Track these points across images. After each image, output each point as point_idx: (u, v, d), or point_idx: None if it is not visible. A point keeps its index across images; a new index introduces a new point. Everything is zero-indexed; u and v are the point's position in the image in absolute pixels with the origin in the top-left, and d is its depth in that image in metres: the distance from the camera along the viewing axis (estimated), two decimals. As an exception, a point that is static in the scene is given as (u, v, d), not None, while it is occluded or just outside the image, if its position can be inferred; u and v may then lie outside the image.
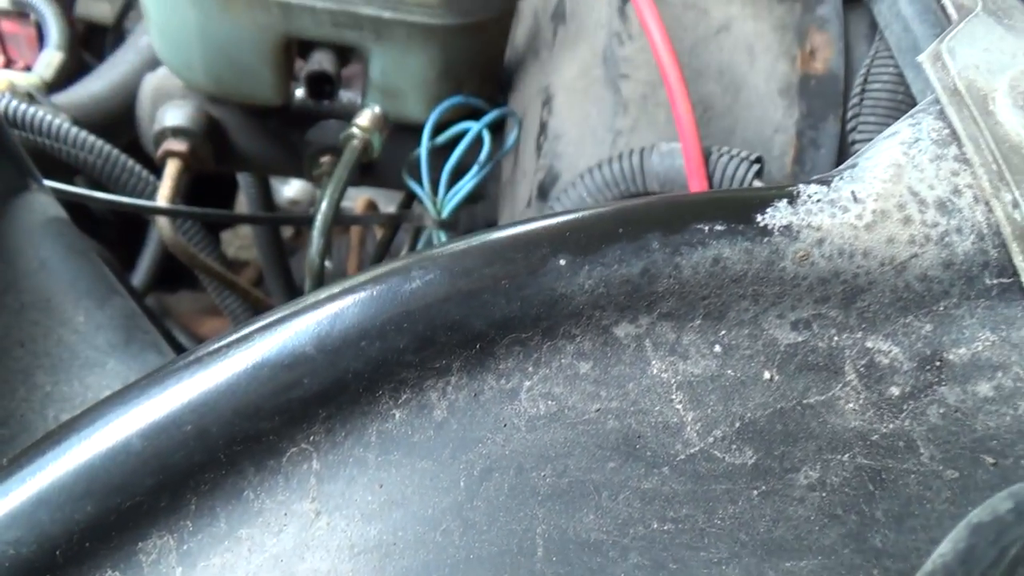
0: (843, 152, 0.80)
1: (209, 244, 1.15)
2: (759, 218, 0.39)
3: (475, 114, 1.02)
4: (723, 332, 0.39)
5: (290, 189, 1.81)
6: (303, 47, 1.06)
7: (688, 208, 0.39)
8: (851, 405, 0.38)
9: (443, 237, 1.02)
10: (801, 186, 0.40)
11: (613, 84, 0.86)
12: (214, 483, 0.34)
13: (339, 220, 0.99)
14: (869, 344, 0.40)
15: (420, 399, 0.36)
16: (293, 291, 1.53)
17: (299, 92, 1.10)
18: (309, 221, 0.96)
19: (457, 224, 1.05)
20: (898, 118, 0.45)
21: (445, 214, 1.01)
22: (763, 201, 0.39)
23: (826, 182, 0.41)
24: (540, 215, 0.41)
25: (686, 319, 0.39)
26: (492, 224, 1.16)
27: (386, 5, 0.93)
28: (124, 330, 0.58)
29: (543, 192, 0.89)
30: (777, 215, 0.39)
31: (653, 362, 0.38)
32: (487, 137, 1.00)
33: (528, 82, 1.06)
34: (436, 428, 0.36)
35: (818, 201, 0.40)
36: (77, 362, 0.53)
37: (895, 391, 0.39)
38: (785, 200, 0.39)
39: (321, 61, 1.04)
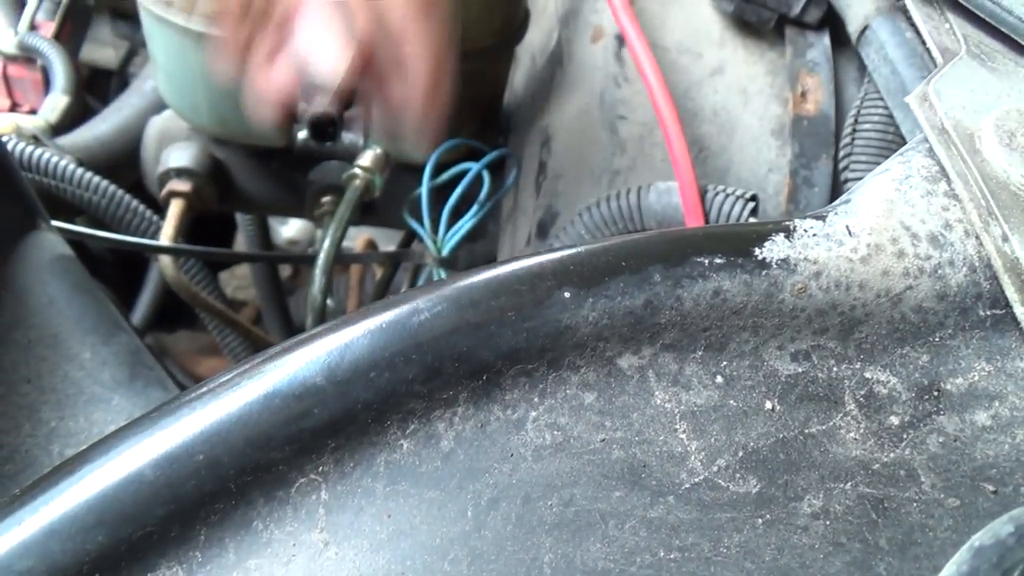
0: (836, 190, 0.82)
1: (211, 283, 1.16)
2: (757, 252, 0.40)
3: (475, 155, 1.04)
4: (724, 363, 0.40)
5: (288, 229, 1.83)
6: (306, 90, 1.09)
7: (688, 242, 0.40)
8: (852, 434, 0.39)
9: (443, 275, 1.03)
10: (797, 221, 0.41)
11: (610, 125, 0.88)
12: (224, 513, 0.34)
13: (340, 259, 1.00)
14: (868, 374, 0.41)
15: (428, 429, 0.37)
16: (292, 331, 1.53)
17: (302, 134, 1.12)
18: (311, 260, 0.97)
19: (456, 262, 1.06)
20: (889, 156, 0.47)
21: (445, 252, 1.02)
22: (761, 235, 0.40)
23: (821, 217, 0.42)
24: (543, 250, 0.42)
25: (688, 350, 0.40)
26: (491, 262, 1.17)
27: (388, 50, 0.95)
28: (129, 366, 0.58)
29: (542, 230, 0.90)
30: (775, 248, 0.40)
31: (656, 392, 0.39)
32: (487, 177, 1.02)
33: (527, 123, 1.08)
34: (443, 458, 0.36)
35: (814, 235, 0.41)
36: (83, 398, 0.54)
37: (895, 420, 0.39)
38: (782, 234, 0.41)
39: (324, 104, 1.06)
